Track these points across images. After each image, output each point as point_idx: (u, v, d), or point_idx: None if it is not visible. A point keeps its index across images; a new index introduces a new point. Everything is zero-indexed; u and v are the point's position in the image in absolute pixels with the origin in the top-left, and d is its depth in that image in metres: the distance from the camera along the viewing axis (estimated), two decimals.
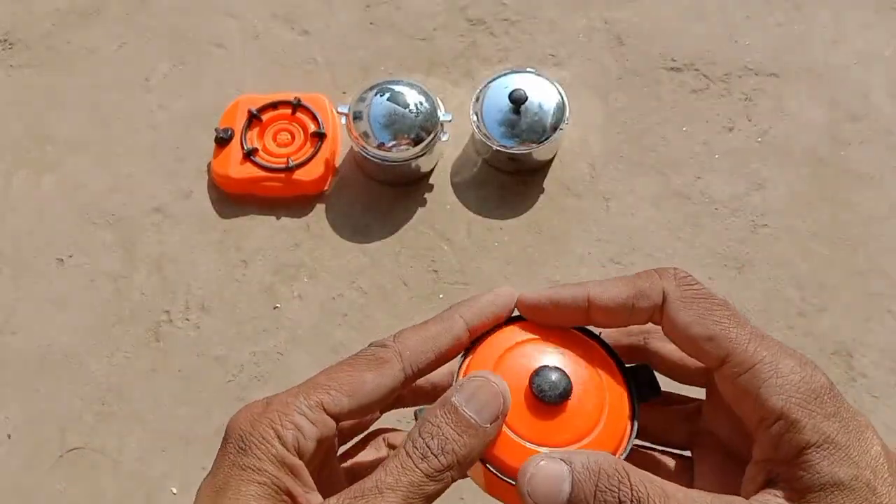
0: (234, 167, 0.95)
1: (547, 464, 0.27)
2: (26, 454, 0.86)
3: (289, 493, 0.27)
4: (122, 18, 1.08)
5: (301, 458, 0.28)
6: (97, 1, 1.09)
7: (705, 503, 0.26)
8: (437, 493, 0.27)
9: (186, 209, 0.97)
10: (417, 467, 0.26)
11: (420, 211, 0.95)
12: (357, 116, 0.91)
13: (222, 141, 0.96)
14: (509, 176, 0.97)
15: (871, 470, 0.26)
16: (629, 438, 0.30)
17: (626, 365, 0.32)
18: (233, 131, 0.97)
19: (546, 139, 0.91)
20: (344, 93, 1.02)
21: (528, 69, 0.95)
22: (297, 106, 0.97)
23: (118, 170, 0.99)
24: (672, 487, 0.26)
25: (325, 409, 0.28)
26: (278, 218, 0.96)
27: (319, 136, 0.96)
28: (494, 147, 0.91)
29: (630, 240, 0.92)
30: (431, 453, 0.27)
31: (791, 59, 1.01)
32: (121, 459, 0.85)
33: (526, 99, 0.89)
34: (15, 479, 0.85)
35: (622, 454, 0.30)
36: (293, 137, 0.97)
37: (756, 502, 0.26)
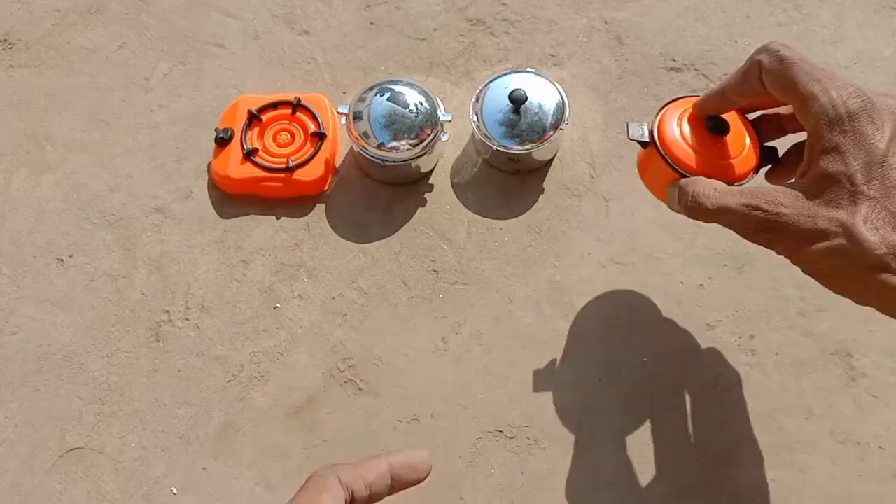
0: (234, 167, 0.95)
1: (672, 187, 0.61)
2: (26, 454, 0.86)
3: None
4: (122, 18, 1.08)
5: None
6: (97, 1, 1.09)
7: (745, 191, 0.53)
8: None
9: (186, 209, 0.97)
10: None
11: (420, 211, 0.95)
12: (357, 116, 0.91)
13: (222, 141, 0.96)
14: (509, 176, 0.97)
15: (862, 174, 0.48)
16: (755, 169, 0.62)
17: (764, 143, 0.65)
18: (233, 131, 0.97)
19: (546, 139, 0.91)
20: (344, 93, 1.02)
21: (528, 69, 0.95)
22: (297, 106, 0.98)
23: (118, 170, 0.99)
24: (723, 186, 0.55)
25: None
26: (278, 218, 0.96)
27: (319, 136, 0.96)
28: (494, 147, 0.91)
29: (630, 240, 0.92)
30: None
31: None
32: (121, 459, 0.85)
33: (526, 99, 0.89)
34: (15, 479, 0.85)
35: (749, 178, 0.62)
36: (293, 137, 0.97)
37: (781, 185, 0.53)
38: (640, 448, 0.84)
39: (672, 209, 0.62)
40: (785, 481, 0.82)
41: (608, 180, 0.96)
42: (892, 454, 0.83)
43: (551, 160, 0.97)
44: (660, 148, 0.64)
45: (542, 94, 0.92)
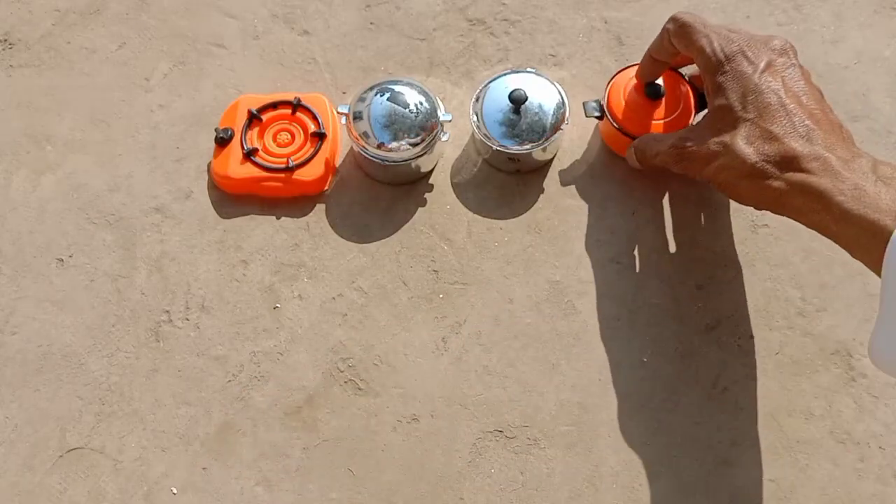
0: (234, 167, 0.95)
1: (630, 148, 0.83)
2: (26, 454, 0.86)
3: None
4: (122, 18, 1.08)
5: None
6: (97, 1, 1.09)
7: (666, 136, 0.72)
8: None
9: (186, 209, 0.97)
10: None
11: (420, 211, 0.95)
12: (357, 116, 0.91)
13: (222, 141, 0.96)
14: (509, 176, 0.97)
15: (740, 102, 0.65)
16: (693, 118, 0.78)
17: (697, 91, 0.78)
18: (233, 131, 0.97)
19: (546, 139, 0.91)
20: (344, 93, 1.02)
21: (528, 69, 0.95)
22: (297, 106, 0.98)
23: (118, 170, 0.99)
24: (660, 136, 0.75)
25: None
26: (278, 218, 0.96)
27: (319, 136, 0.96)
28: (494, 147, 0.91)
29: (630, 240, 0.92)
30: None
31: None
32: (121, 459, 0.85)
33: (526, 99, 0.89)
34: (15, 479, 0.85)
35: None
36: (293, 137, 0.97)
37: (696, 124, 0.70)
38: (640, 448, 0.84)
39: (632, 165, 0.85)
40: (785, 481, 0.82)
41: (608, 180, 0.96)
42: (892, 454, 0.83)
43: (551, 160, 0.97)
44: (611, 120, 0.89)
45: (542, 94, 0.92)
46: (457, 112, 0.98)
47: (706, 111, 0.69)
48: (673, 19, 0.73)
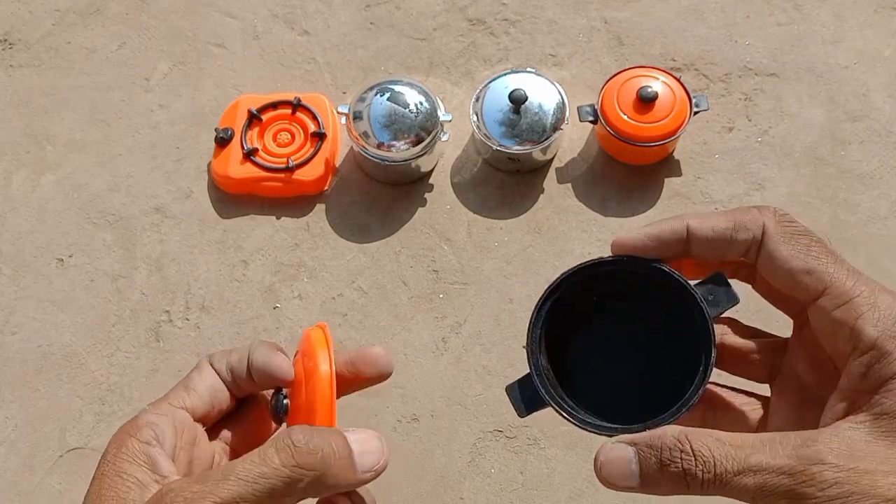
0: (234, 167, 0.95)
1: (613, 448, 0.28)
2: (26, 454, 0.86)
3: (140, 483, 0.30)
4: (122, 18, 1.08)
5: (163, 444, 0.32)
6: (97, 1, 1.09)
7: (773, 442, 0.27)
8: (283, 495, 0.28)
9: (186, 209, 0.97)
10: (278, 455, 0.28)
11: (420, 211, 0.95)
12: (357, 116, 0.91)
13: (222, 141, 0.96)
14: (509, 176, 0.97)
15: None
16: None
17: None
18: (233, 131, 0.97)
19: (546, 139, 0.91)
20: (344, 93, 1.02)
21: (528, 69, 0.95)
22: (297, 106, 0.97)
23: (118, 170, 0.99)
24: (738, 437, 0.27)
25: (171, 405, 0.34)
26: (278, 218, 0.96)
27: (319, 136, 0.96)
28: (494, 147, 0.91)
29: None
30: (299, 467, 0.28)
31: (791, 59, 1.01)
32: None
33: (526, 99, 0.89)
34: (15, 479, 0.85)
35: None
36: (293, 137, 0.97)
37: (830, 429, 0.27)
38: None
39: (624, 488, 0.30)
40: None
41: (608, 180, 0.96)
42: None
43: (551, 160, 0.97)
44: (605, 124, 0.88)
45: (542, 94, 0.92)
46: (457, 112, 0.98)
47: (849, 412, 0.29)
48: (780, 216, 0.31)
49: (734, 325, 0.35)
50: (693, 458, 0.27)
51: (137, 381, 0.88)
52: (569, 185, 0.96)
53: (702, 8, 1.05)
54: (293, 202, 0.96)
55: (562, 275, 0.33)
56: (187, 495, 0.27)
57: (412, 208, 0.95)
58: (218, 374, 0.35)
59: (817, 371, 0.32)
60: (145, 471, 0.30)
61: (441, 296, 0.91)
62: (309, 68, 1.04)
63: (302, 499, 0.28)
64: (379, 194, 0.96)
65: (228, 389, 0.36)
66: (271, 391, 0.37)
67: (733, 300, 0.31)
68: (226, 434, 0.37)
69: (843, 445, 0.26)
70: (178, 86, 1.04)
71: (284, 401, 0.35)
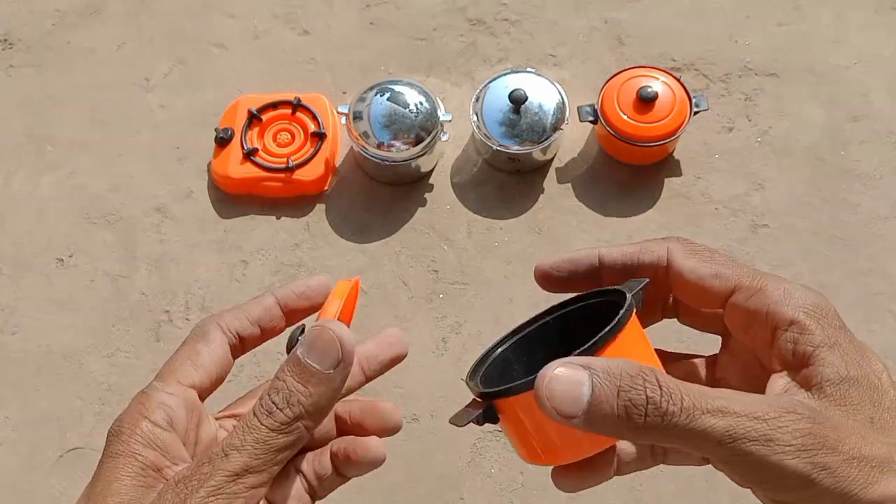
0: (234, 167, 0.95)
1: (565, 370, 0.26)
2: (26, 454, 0.86)
3: (155, 468, 0.29)
4: (122, 18, 1.08)
5: (176, 429, 0.30)
6: (97, 1, 1.09)
7: (739, 394, 0.26)
8: (290, 445, 0.29)
9: (186, 209, 0.97)
10: (262, 424, 0.28)
11: (420, 211, 0.95)
12: (357, 116, 0.91)
13: (222, 141, 0.96)
14: (509, 176, 0.97)
15: (876, 376, 0.28)
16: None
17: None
18: (233, 131, 0.97)
19: (546, 139, 0.91)
20: (344, 93, 1.02)
21: (528, 69, 0.95)
22: (297, 106, 0.97)
23: (118, 170, 0.99)
24: (707, 388, 0.26)
25: (180, 383, 0.32)
26: (278, 218, 0.96)
27: (319, 136, 0.96)
28: (494, 147, 0.91)
29: (629, 240, 0.92)
30: (276, 408, 0.28)
31: (791, 59, 1.01)
32: None
33: (526, 99, 0.89)
34: (15, 479, 0.85)
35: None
36: (293, 137, 0.97)
37: (785, 396, 0.27)
38: None
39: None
40: None
41: (608, 180, 0.96)
42: None
43: (551, 160, 0.97)
44: (605, 124, 0.88)
45: (542, 94, 0.92)
46: (457, 112, 0.98)
47: (787, 388, 0.29)
48: (683, 239, 0.33)
49: (660, 354, 0.34)
50: (658, 388, 0.25)
51: (137, 381, 0.88)
52: (569, 185, 0.96)
53: (702, 8, 1.05)
54: (293, 202, 0.96)
55: (493, 345, 0.34)
56: (199, 477, 0.28)
57: (412, 208, 0.95)
58: (227, 339, 0.34)
59: (750, 378, 0.32)
60: (159, 455, 0.30)
61: (441, 296, 0.91)
62: (309, 68, 1.04)
63: (310, 430, 0.29)
64: (379, 194, 0.96)
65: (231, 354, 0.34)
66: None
67: (643, 282, 0.31)
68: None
69: (809, 402, 0.27)
70: (178, 86, 1.04)
71: (299, 337, 0.32)
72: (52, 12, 1.09)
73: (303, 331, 0.33)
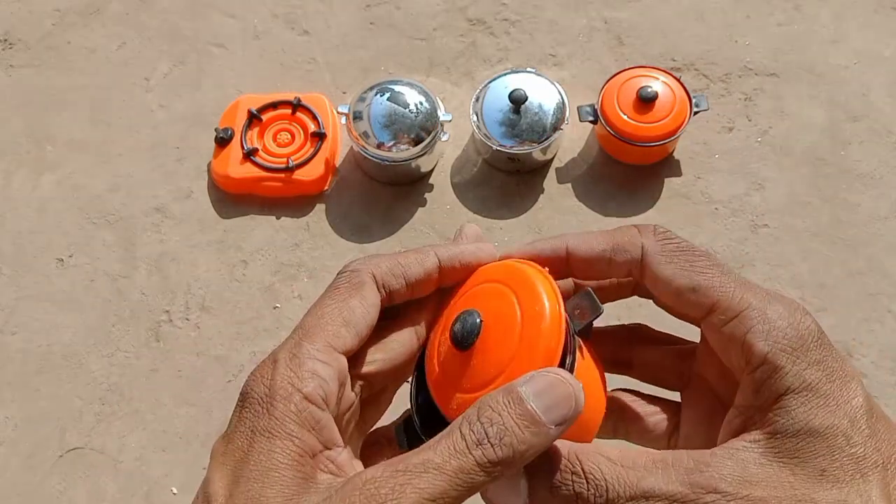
0: (234, 167, 0.95)
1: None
2: (26, 454, 0.86)
3: (311, 453, 0.26)
4: (122, 18, 1.08)
5: (328, 404, 0.27)
6: (97, 1, 1.09)
7: (666, 464, 0.25)
8: (480, 488, 0.24)
9: (186, 209, 0.97)
10: (471, 452, 0.24)
11: (420, 211, 0.95)
12: (357, 116, 0.91)
13: (222, 141, 0.96)
14: (509, 176, 0.97)
15: (848, 420, 0.26)
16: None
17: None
18: (233, 131, 0.97)
19: (546, 139, 0.91)
20: (344, 93, 1.02)
21: (528, 69, 0.95)
22: (297, 106, 0.97)
23: (118, 170, 0.99)
24: (630, 457, 0.26)
25: (333, 348, 0.27)
26: (278, 218, 0.96)
27: (319, 136, 0.96)
28: (494, 147, 0.91)
29: None
30: (489, 441, 0.24)
31: (791, 59, 1.01)
32: (121, 459, 0.85)
33: (526, 99, 0.89)
34: (15, 479, 0.85)
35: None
36: (293, 137, 0.97)
37: (723, 450, 0.26)
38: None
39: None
40: None
41: (608, 180, 0.96)
42: None
43: (551, 160, 0.97)
44: (605, 124, 0.88)
45: (542, 94, 0.92)
46: (457, 112, 0.98)
47: (742, 431, 0.28)
48: (660, 234, 0.30)
49: (645, 330, 0.34)
50: (585, 482, 0.25)
51: (137, 381, 0.88)
52: (569, 185, 0.96)
53: (702, 8, 1.05)
54: (293, 202, 0.96)
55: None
56: (393, 486, 0.24)
57: (412, 208, 0.95)
58: (380, 295, 0.29)
59: (725, 380, 0.30)
60: (314, 438, 0.26)
61: None
62: (309, 68, 1.04)
63: (498, 479, 0.25)
64: (379, 194, 0.96)
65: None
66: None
67: (596, 311, 0.29)
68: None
69: (738, 469, 0.25)
70: (178, 86, 1.04)
71: (478, 320, 0.27)
72: (52, 12, 1.09)
73: (478, 314, 0.28)
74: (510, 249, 0.30)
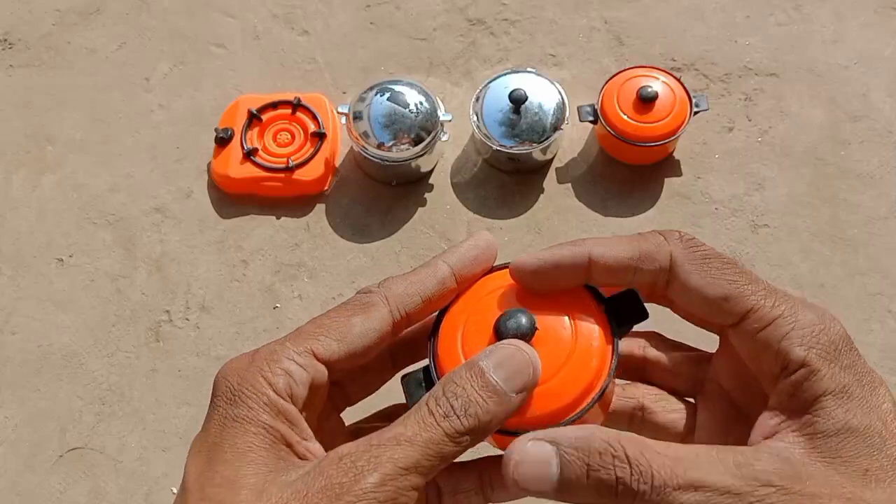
0: (234, 167, 0.95)
1: (532, 446, 0.25)
2: (26, 454, 0.86)
3: (285, 442, 0.27)
4: (122, 18, 1.08)
5: (294, 404, 0.27)
6: (97, 1, 1.09)
7: (711, 458, 0.25)
8: (452, 457, 0.26)
9: (186, 209, 0.97)
10: (439, 425, 0.26)
11: (420, 211, 0.95)
12: (357, 116, 0.91)
13: (222, 141, 0.96)
14: (509, 176, 0.97)
15: (881, 421, 0.26)
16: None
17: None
18: (233, 131, 0.97)
19: (546, 139, 0.91)
20: (344, 93, 1.02)
21: (528, 69, 0.95)
22: (297, 106, 0.97)
23: (118, 170, 0.99)
24: (672, 448, 0.25)
25: (314, 355, 0.28)
26: (278, 218, 0.96)
27: (319, 136, 0.96)
28: (494, 147, 0.91)
29: None
30: (454, 413, 0.26)
31: (791, 59, 1.01)
32: (121, 459, 0.85)
33: (526, 99, 0.89)
34: (15, 479, 0.85)
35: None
36: (293, 137, 0.97)
37: (766, 447, 0.26)
38: None
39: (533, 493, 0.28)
40: None
41: (608, 180, 0.96)
42: None
43: (551, 160, 0.97)
44: (605, 124, 0.88)
45: (542, 94, 0.92)
46: (457, 112, 0.98)
47: (781, 432, 0.28)
48: (687, 241, 0.30)
49: (658, 339, 0.34)
50: (628, 467, 0.25)
51: (137, 381, 0.88)
52: (569, 185, 0.96)
53: (702, 8, 1.05)
54: (293, 202, 0.96)
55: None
56: (369, 458, 0.25)
57: (412, 208, 0.95)
58: (391, 318, 0.29)
59: (743, 386, 0.31)
60: (288, 429, 0.27)
61: None
62: (309, 68, 1.04)
63: (468, 448, 0.26)
64: (379, 194, 0.96)
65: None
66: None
67: (642, 316, 0.30)
68: None
69: (787, 466, 0.26)
70: (178, 86, 1.04)
71: (534, 322, 0.28)
72: (52, 12, 1.09)
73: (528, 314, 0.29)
74: (524, 260, 0.30)
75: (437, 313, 0.31)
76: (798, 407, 0.27)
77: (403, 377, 0.31)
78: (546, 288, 0.30)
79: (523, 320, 0.28)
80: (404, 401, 0.31)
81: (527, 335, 0.28)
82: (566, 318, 0.29)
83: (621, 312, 0.30)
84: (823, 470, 0.25)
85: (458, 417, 0.26)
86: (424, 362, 0.31)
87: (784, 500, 0.25)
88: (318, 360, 0.28)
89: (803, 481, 0.25)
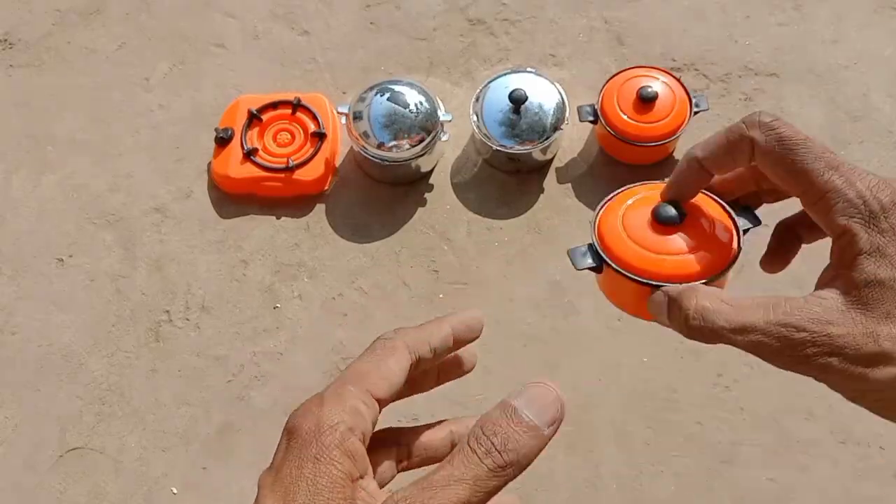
0: (234, 167, 0.95)
1: (657, 294, 0.37)
2: (26, 454, 0.86)
3: (351, 478, 0.30)
4: (122, 18, 1.08)
5: (364, 442, 0.31)
6: (97, 1, 1.09)
7: (767, 306, 0.34)
8: (496, 490, 0.29)
9: (186, 209, 0.97)
10: (482, 462, 0.29)
11: (420, 211, 0.95)
12: (357, 116, 0.91)
13: (222, 141, 0.96)
14: (509, 176, 0.97)
15: None
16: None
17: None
18: (233, 131, 0.97)
19: (546, 139, 0.91)
20: (344, 93, 1.02)
21: (528, 69, 0.95)
22: (297, 106, 0.98)
23: (118, 170, 0.99)
24: (738, 300, 0.34)
25: (371, 394, 0.32)
26: (278, 218, 0.96)
27: (319, 136, 0.96)
28: (494, 147, 0.91)
29: None
30: (496, 449, 0.29)
31: (791, 59, 1.01)
32: (121, 459, 0.85)
33: (526, 99, 0.89)
34: (15, 479, 0.85)
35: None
36: (293, 137, 0.97)
37: (814, 297, 0.34)
38: (640, 448, 0.84)
39: (661, 324, 0.39)
40: (785, 481, 0.82)
41: (608, 180, 0.96)
42: (892, 454, 0.83)
43: (551, 160, 0.97)
44: (605, 124, 0.79)
45: (542, 94, 0.92)
46: (457, 112, 0.98)
47: (829, 285, 0.36)
48: (761, 125, 0.38)
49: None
50: (701, 316, 0.35)
51: (137, 381, 0.88)
52: (569, 185, 0.96)
53: (702, 8, 1.05)
54: (293, 202, 0.96)
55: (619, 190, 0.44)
56: (422, 499, 0.28)
57: (412, 208, 0.95)
58: (411, 359, 0.35)
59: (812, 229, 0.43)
60: (352, 465, 0.30)
61: (441, 296, 0.91)
62: (309, 68, 1.04)
63: (509, 480, 0.30)
64: (379, 194, 0.96)
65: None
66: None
67: (756, 222, 0.41)
68: None
69: (823, 313, 0.33)
70: (178, 86, 1.04)
71: (682, 210, 0.38)
72: (52, 12, 1.09)
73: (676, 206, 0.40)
74: (698, 153, 0.38)
75: (598, 206, 0.43)
76: (844, 264, 0.34)
77: (569, 250, 0.42)
78: (685, 194, 0.40)
79: (675, 209, 0.39)
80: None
81: (677, 221, 0.39)
82: (704, 217, 0.40)
83: (742, 217, 0.41)
84: (854, 315, 0.33)
85: (500, 453, 0.29)
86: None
87: (818, 339, 0.33)
88: (374, 398, 0.32)
89: (833, 325, 0.33)
